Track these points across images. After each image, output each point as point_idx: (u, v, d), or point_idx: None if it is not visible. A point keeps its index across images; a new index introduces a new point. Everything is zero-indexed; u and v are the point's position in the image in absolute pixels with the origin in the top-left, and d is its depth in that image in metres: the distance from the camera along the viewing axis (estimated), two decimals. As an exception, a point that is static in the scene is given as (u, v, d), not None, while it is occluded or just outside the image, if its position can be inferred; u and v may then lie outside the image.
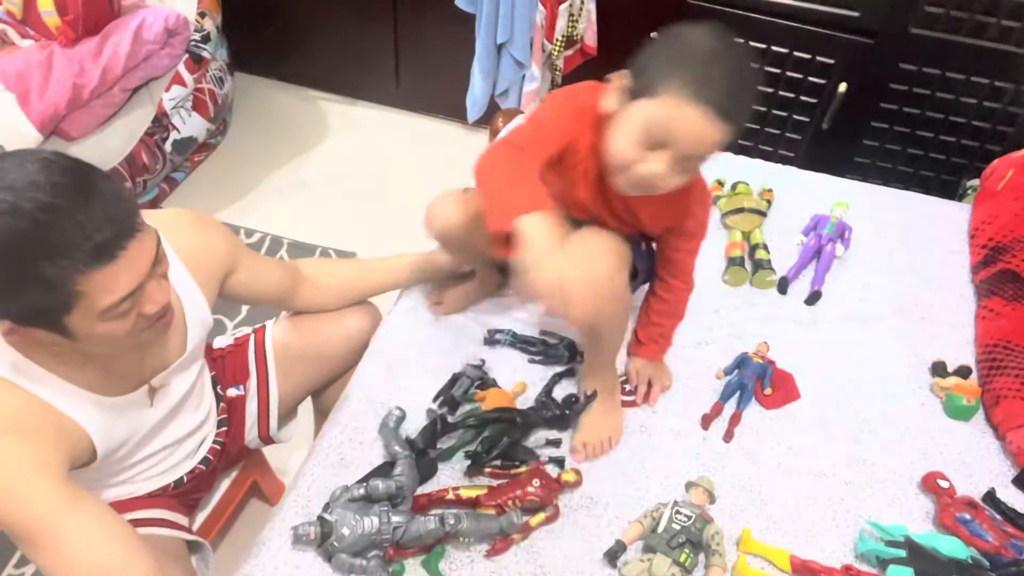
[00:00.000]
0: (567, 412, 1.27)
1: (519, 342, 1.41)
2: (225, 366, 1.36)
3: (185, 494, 1.28)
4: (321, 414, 1.51)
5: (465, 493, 1.14)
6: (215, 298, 1.17)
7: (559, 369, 1.38)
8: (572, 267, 0.92)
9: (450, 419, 1.24)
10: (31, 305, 0.83)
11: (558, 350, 1.40)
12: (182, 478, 1.23)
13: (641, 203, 1.17)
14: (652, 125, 0.99)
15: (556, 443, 1.26)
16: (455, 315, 1.45)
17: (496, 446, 1.19)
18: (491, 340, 1.41)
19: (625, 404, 1.35)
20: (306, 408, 1.53)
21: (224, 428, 1.32)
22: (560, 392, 1.33)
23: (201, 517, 1.38)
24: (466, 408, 1.28)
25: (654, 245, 1.34)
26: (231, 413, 1.34)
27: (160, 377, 1.10)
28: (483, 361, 1.36)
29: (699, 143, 0.99)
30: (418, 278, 1.47)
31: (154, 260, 0.89)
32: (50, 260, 0.79)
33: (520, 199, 0.97)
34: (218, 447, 1.30)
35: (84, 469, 1.04)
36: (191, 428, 1.23)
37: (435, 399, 1.30)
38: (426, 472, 1.18)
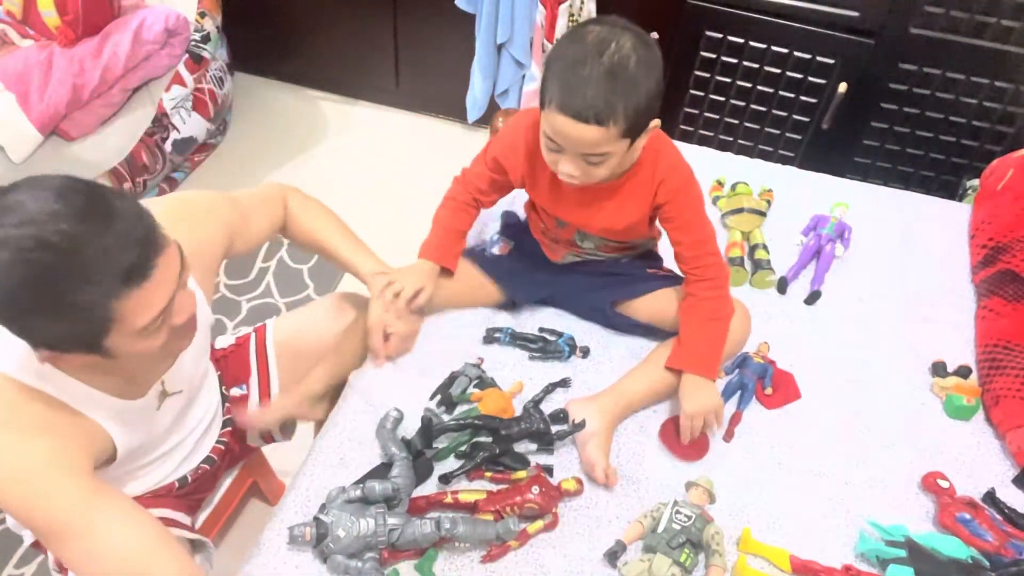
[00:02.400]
0: (553, 429, 1.24)
1: (518, 339, 1.41)
2: (228, 366, 1.37)
3: (189, 494, 1.28)
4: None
5: (464, 497, 1.14)
6: (213, 287, 1.18)
7: (555, 380, 1.34)
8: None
9: (435, 422, 1.22)
10: (68, 334, 0.83)
11: (557, 346, 1.39)
12: (186, 477, 1.24)
13: (593, 200, 1.26)
14: (544, 133, 1.11)
15: (548, 450, 1.25)
16: (454, 315, 1.45)
17: (473, 457, 1.19)
18: (490, 339, 1.41)
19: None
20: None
21: (229, 428, 1.33)
22: (548, 406, 1.30)
23: (202, 517, 1.38)
24: (463, 408, 1.28)
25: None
26: (235, 412, 1.35)
27: (171, 377, 1.11)
28: (481, 360, 1.36)
29: (581, 144, 1.07)
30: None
31: (179, 283, 0.90)
32: (82, 289, 0.79)
33: (432, 247, 1.38)
34: (222, 447, 1.31)
35: (103, 470, 1.05)
36: (199, 426, 1.24)
37: (432, 397, 1.30)
38: (423, 473, 1.18)
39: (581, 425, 1.23)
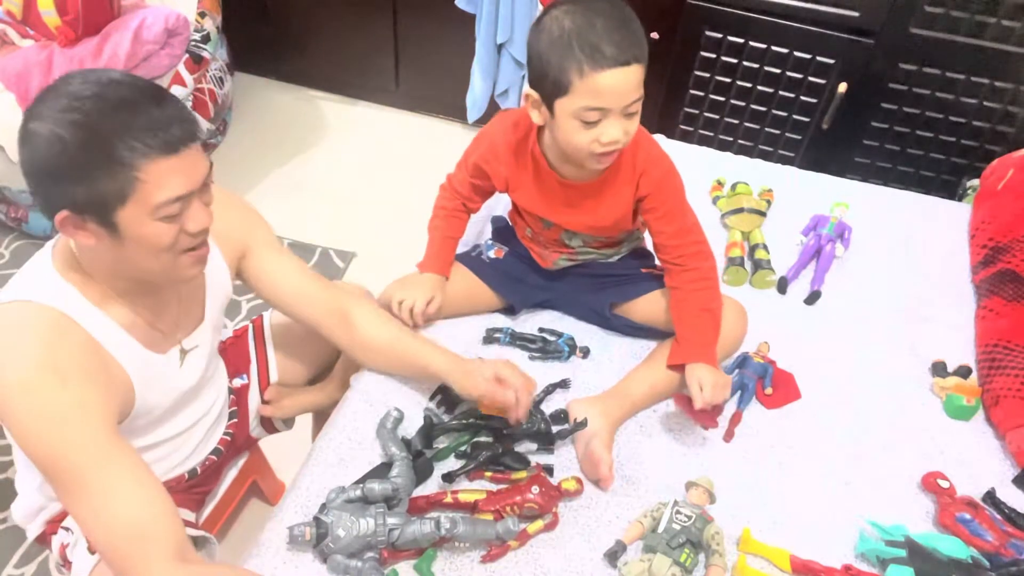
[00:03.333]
0: (552, 429, 1.25)
1: (518, 340, 1.41)
2: (228, 357, 1.38)
3: (196, 486, 1.31)
4: (320, 415, 1.51)
5: (464, 497, 1.14)
6: (234, 270, 1.21)
7: (555, 381, 1.35)
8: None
9: (435, 421, 1.23)
10: (94, 188, 0.87)
11: (557, 346, 1.39)
12: (195, 468, 1.27)
13: (578, 199, 1.28)
14: (582, 112, 1.09)
15: (548, 449, 1.25)
16: (453, 315, 1.45)
17: (475, 458, 1.19)
18: (489, 339, 1.41)
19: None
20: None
21: (234, 420, 1.36)
22: (549, 407, 1.31)
23: (204, 514, 1.39)
24: (463, 407, 1.28)
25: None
26: (238, 403, 1.37)
27: (190, 339, 1.14)
28: (481, 360, 1.36)
29: (628, 91, 1.09)
30: (437, 379, 1.27)
31: (205, 178, 0.95)
32: (124, 141, 0.86)
33: (432, 258, 1.40)
34: (228, 438, 1.34)
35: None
36: (211, 411, 1.27)
37: (432, 398, 1.30)
38: (423, 473, 1.18)
39: (583, 424, 1.23)
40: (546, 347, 1.39)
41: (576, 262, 1.42)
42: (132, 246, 0.93)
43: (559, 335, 1.41)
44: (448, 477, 1.18)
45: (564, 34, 1.07)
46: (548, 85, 1.10)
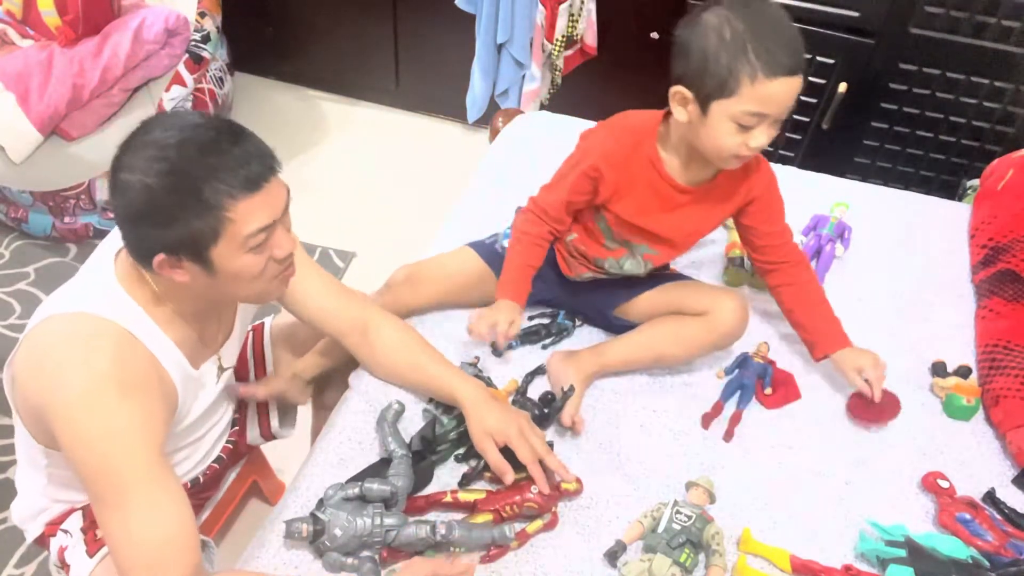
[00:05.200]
0: (546, 411, 1.26)
1: (523, 336, 1.41)
2: None
3: (198, 493, 1.32)
4: (319, 407, 1.51)
5: (463, 497, 1.14)
6: None
7: (530, 369, 1.37)
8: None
9: (438, 429, 1.22)
10: (187, 231, 0.91)
11: (561, 325, 1.41)
12: (198, 478, 1.28)
13: (683, 205, 1.27)
14: (742, 116, 1.09)
15: (547, 446, 1.25)
16: (452, 314, 1.44)
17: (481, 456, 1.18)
18: (499, 351, 1.39)
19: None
20: (305, 409, 1.53)
21: (235, 427, 1.37)
22: (534, 391, 1.33)
23: (202, 517, 1.39)
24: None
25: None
26: (239, 411, 1.38)
27: (226, 354, 1.17)
28: (478, 359, 1.36)
29: (790, 100, 1.10)
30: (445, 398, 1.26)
31: (285, 204, 0.99)
32: (209, 184, 0.90)
33: (509, 284, 1.30)
34: (230, 446, 1.34)
35: None
36: (220, 423, 1.28)
37: (431, 399, 1.30)
38: (423, 478, 1.17)
39: (571, 392, 1.26)
40: (551, 329, 1.40)
41: (600, 277, 1.41)
42: (226, 279, 0.97)
43: (554, 315, 1.43)
44: (467, 479, 1.18)
45: (738, 36, 1.06)
46: (709, 84, 1.09)
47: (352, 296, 1.28)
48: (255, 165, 0.93)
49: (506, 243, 1.44)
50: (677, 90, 1.14)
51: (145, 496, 0.93)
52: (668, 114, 1.21)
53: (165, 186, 0.89)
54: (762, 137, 1.12)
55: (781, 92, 1.08)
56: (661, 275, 1.42)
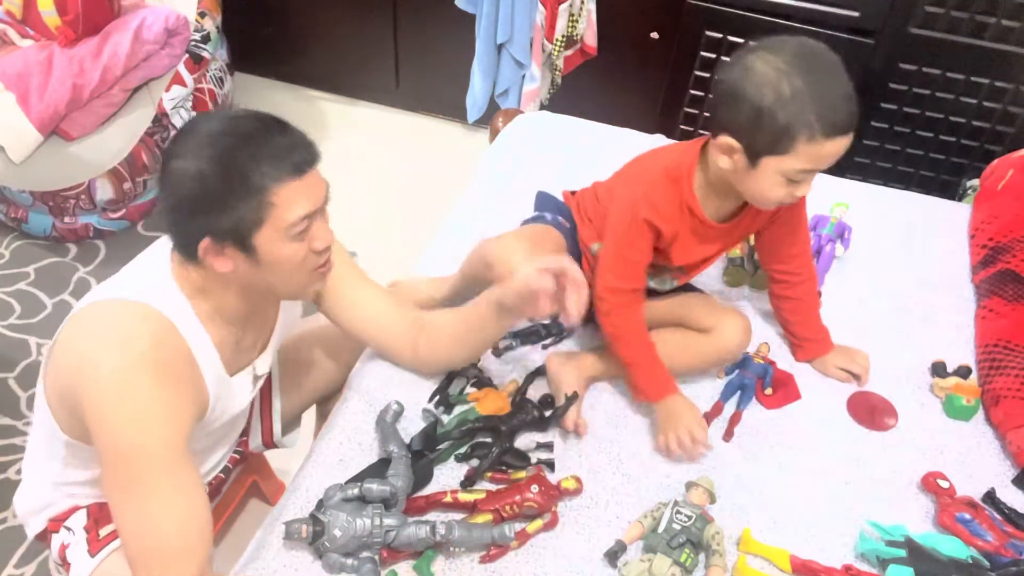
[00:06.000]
0: (545, 414, 1.26)
1: (523, 338, 1.41)
2: None
3: None
4: (322, 416, 1.51)
5: (463, 497, 1.14)
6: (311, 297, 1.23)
7: (531, 370, 1.36)
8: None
9: (439, 429, 1.22)
10: (233, 215, 0.94)
11: (561, 324, 1.41)
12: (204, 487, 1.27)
13: (728, 230, 1.27)
14: (794, 173, 1.09)
15: (548, 446, 1.25)
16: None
17: (487, 457, 1.19)
18: (500, 351, 1.39)
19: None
20: (308, 420, 1.54)
21: (244, 437, 1.37)
22: (534, 392, 1.32)
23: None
24: (460, 409, 1.28)
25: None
26: (247, 420, 1.37)
27: (261, 364, 1.18)
28: (478, 359, 1.36)
29: (837, 157, 1.09)
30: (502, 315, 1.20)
31: (325, 197, 1.03)
32: (257, 168, 0.93)
33: (654, 385, 1.27)
34: (236, 456, 1.36)
35: None
36: (232, 433, 1.28)
37: (430, 399, 1.30)
38: (422, 477, 1.17)
39: (574, 398, 1.25)
40: (552, 330, 1.41)
41: None
42: (268, 267, 0.99)
43: (555, 315, 1.42)
44: (469, 480, 1.17)
45: (798, 95, 1.04)
46: (761, 141, 1.07)
47: (397, 307, 1.28)
48: (300, 152, 0.97)
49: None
50: (724, 140, 1.11)
51: (165, 485, 0.94)
52: (702, 151, 1.20)
53: (214, 171, 0.93)
54: (807, 187, 1.13)
55: (837, 151, 1.07)
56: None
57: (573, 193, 1.44)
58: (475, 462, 1.21)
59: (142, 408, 0.94)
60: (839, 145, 1.07)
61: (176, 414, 0.97)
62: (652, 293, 1.39)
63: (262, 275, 1.01)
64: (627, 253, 1.24)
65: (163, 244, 1.07)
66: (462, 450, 1.23)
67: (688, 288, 1.42)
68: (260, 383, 1.22)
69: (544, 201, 1.48)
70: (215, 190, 0.93)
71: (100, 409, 0.94)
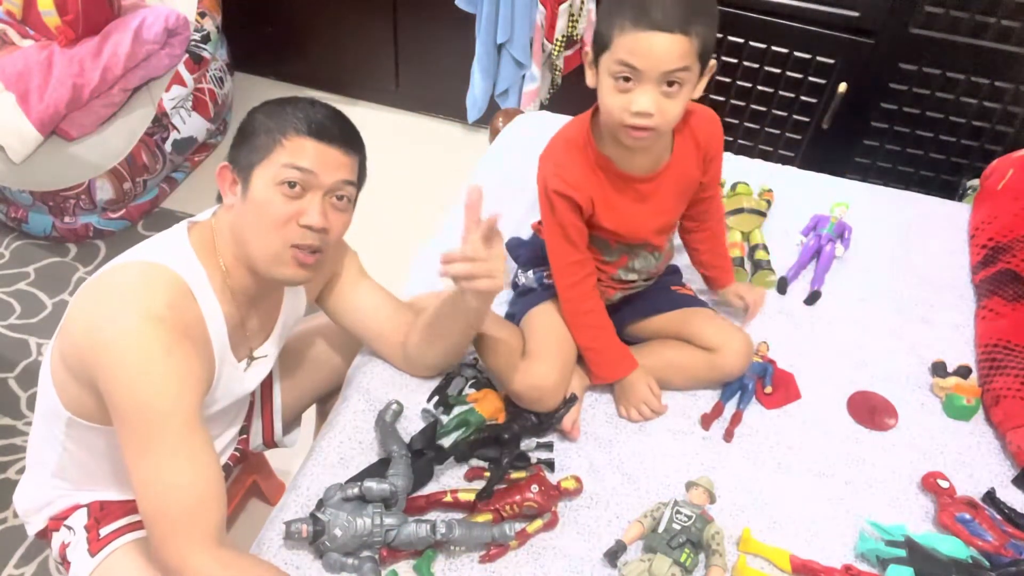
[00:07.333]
0: (542, 420, 1.25)
1: None
2: None
3: None
4: (322, 415, 1.51)
5: (463, 496, 1.14)
6: (314, 296, 1.28)
7: None
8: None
9: (439, 429, 1.22)
10: (251, 147, 1.03)
11: None
12: None
13: (653, 189, 1.26)
14: (616, 68, 1.09)
15: (548, 446, 1.26)
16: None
17: (500, 467, 1.17)
18: None
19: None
20: (308, 420, 1.53)
21: (244, 435, 1.37)
22: None
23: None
24: (459, 409, 1.28)
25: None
26: (247, 418, 1.37)
27: (260, 349, 1.20)
28: (476, 359, 1.36)
29: (663, 60, 1.06)
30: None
31: (340, 184, 1.05)
32: (292, 117, 1.03)
33: (613, 362, 1.31)
34: (237, 454, 1.35)
35: None
36: (236, 420, 1.29)
37: (430, 399, 1.30)
38: (422, 476, 1.17)
39: (572, 400, 1.25)
40: None
41: (629, 292, 1.40)
42: (250, 206, 1.03)
43: None
44: (483, 494, 1.14)
45: None
46: (597, 40, 1.12)
47: (397, 308, 1.30)
48: (335, 127, 1.05)
49: (523, 279, 1.43)
50: (585, 51, 1.17)
51: (180, 443, 0.95)
52: (594, 112, 1.22)
53: (264, 112, 1.05)
54: (643, 99, 1.09)
55: (647, 46, 1.05)
56: (678, 297, 1.41)
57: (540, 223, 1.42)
58: (475, 462, 1.21)
59: (158, 366, 0.94)
60: (650, 40, 1.05)
61: (190, 375, 0.98)
62: (652, 301, 1.39)
63: (244, 217, 1.04)
64: (556, 228, 1.25)
65: (182, 222, 1.10)
66: (462, 449, 1.22)
67: (695, 302, 1.41)
68: (259, 372, 1.21)
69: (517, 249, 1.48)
70: (254, 125, 1.04)
71: (117, 365, 0.94)
